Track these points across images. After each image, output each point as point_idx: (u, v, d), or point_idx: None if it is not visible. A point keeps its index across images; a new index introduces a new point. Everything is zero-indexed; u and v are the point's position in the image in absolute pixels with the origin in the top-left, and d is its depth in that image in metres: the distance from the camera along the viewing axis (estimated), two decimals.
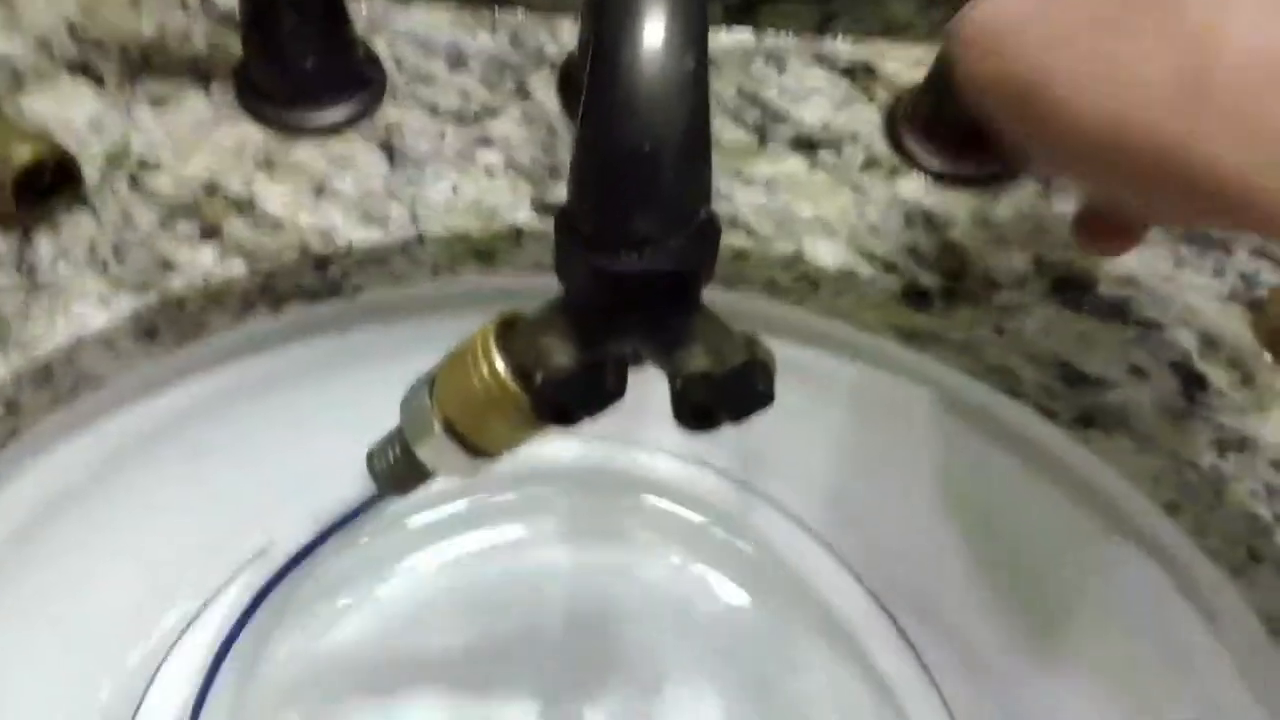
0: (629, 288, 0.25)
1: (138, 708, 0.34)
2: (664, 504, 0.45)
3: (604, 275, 0.25)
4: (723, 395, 0.25)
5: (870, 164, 0.40)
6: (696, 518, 0.46)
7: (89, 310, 0.33)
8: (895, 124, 0.40)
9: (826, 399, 0.44)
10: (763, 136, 0.40)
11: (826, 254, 0.37)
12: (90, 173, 0.35)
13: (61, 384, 0.33)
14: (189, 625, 0.35)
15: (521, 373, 0.27)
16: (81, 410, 0.35)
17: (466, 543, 0.44)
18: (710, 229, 0.26)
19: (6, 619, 0.34)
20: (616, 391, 0.25)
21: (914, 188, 0.39)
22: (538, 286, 0.40)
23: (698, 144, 0.24)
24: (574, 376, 0.26)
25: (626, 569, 0.45)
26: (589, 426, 0.41)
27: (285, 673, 0.40)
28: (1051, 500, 0.39)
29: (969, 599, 0.43)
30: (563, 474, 0.44)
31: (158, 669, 0.34)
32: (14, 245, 0.34)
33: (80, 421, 0.35)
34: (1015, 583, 0.42)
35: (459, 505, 0.44)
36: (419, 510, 0.43)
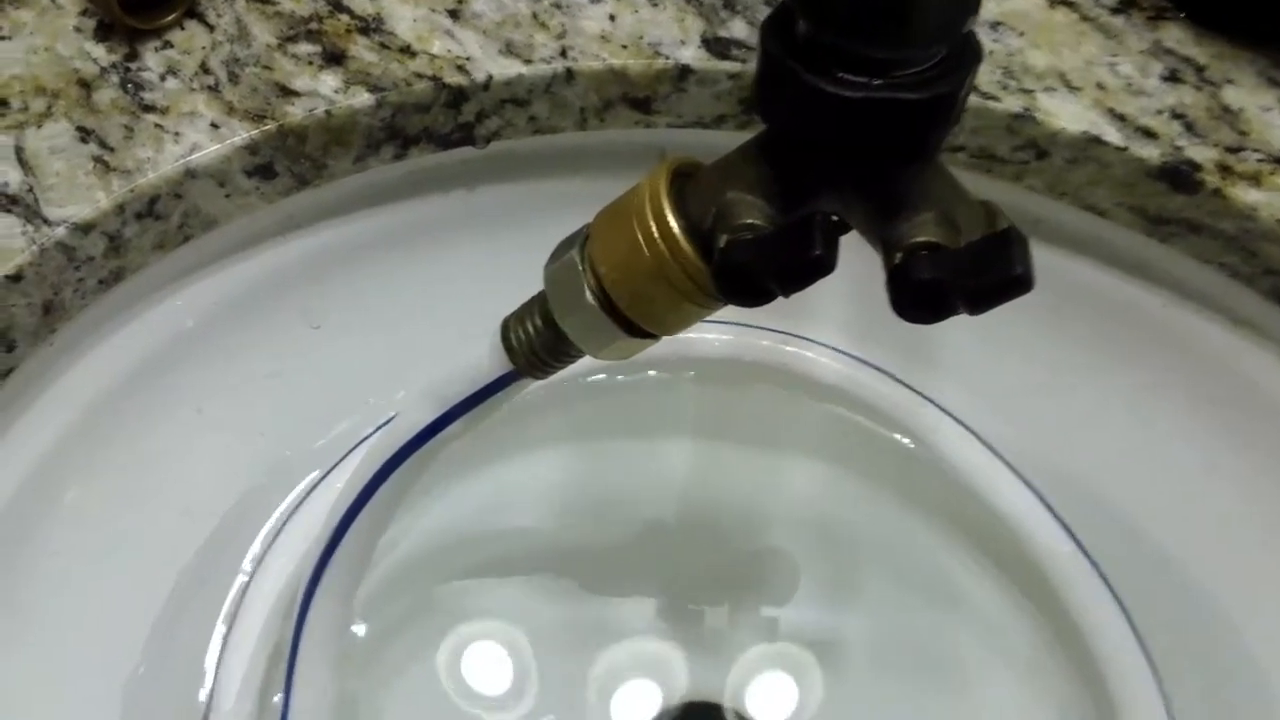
0: (855, 124, 0.19)
1: (246, 587, 0.31)
2: (816, 403, 0.40)
3: (825, 104, 0.19)
4: (960, 275, 0.19)
5: (1127, 3, 0.32)
6: (853, 420, 0.40)
7: (200, 137, 0.29)
8: None
9: (1024, 298, 0.37)
10: None
11: (1064, 114, 0.30)
12: None
13: (169, 221, 0.29)
14: (300, 503, 0.32)
15: (700, 234, 0.21)
16: (189, 258, 0.32)
17: (597, 430, 0.40)
18: (971, 54, 0.19)
19: (93, 488, 0.32)
20: (825, 261, 0.19)
21: (1182, 36, 0.31)
22: (701, 145, 0.34)
23: None
24: (769, 240, 0.20)
25: (770, 471, 0.41)
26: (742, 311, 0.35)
27: (398, 554, 0.37)
28: None
29: (1161, 527, 0.37)
30: (706, 362, 0.39)
31: (267, 549, 0.32)
32: (120, 58, 0.30)
33: (188, 271, 0.32)
34: (1215, 522, 0.36)
35: (589, 387, 0.40)
36: (543, 389, 0.39)
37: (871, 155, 0.20)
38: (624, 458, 0.39)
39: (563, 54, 0.31)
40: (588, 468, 0.39)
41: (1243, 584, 0.34)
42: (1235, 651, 0.34)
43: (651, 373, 0.39)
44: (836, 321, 0.37)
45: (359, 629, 0.36)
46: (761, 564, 0.39)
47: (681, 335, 0.40)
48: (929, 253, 0.20)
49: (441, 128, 0.32)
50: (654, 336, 0.24)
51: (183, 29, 0.30)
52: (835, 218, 0.22)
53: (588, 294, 0.23)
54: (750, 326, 0.38)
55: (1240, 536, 0.35)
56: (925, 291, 0.20)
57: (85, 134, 0.28)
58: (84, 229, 0.28)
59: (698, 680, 0.38)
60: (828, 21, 0.19)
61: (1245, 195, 0.29)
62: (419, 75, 0.30)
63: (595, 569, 0.38)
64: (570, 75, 0.31)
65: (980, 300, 0.19)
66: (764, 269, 0.20)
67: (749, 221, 0.21)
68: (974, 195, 0.21)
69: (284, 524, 0.33)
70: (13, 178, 0.28)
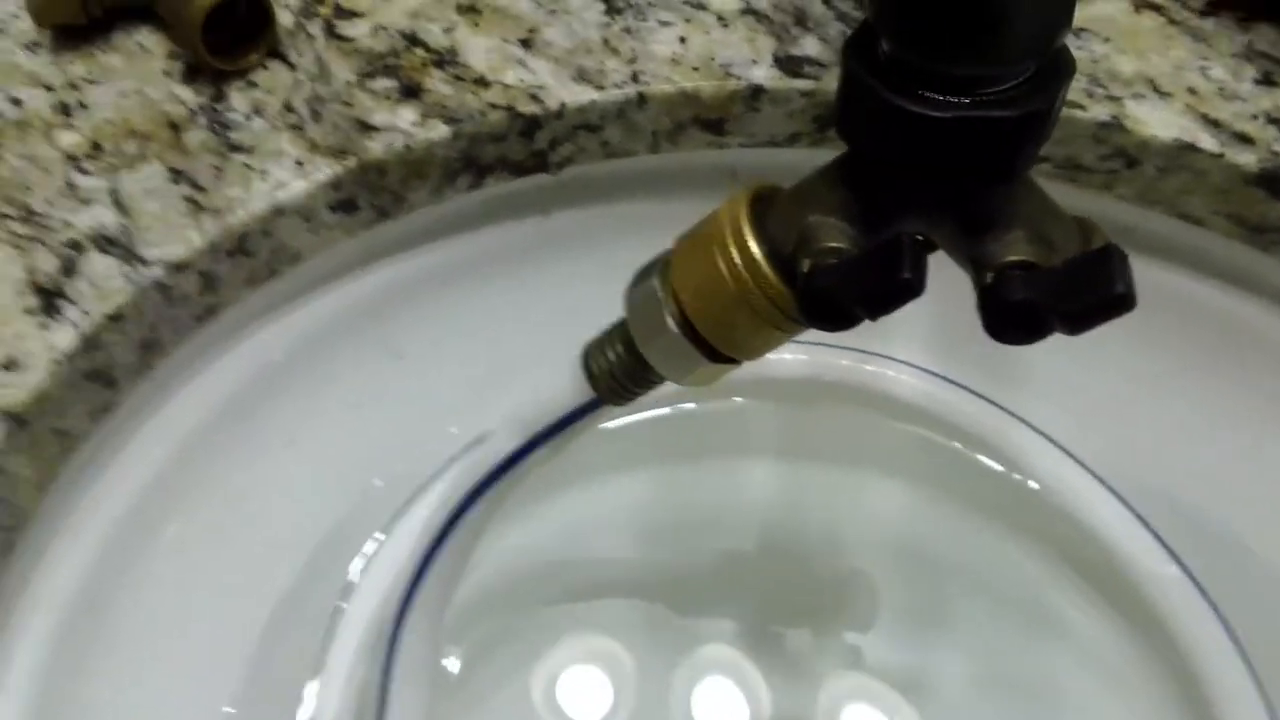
0: (944, 145, 0.19)
1: (339, 616, 0.32)
2: (898, 423, 0.39)
3: (911, 124, 0.18)
4: (1057, 294, 0.19)
5: (1216, 5, 0.31)
6: (937, 439, 0.39)
7: (285, 175, 0.29)
8: None
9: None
10: None
11: (1154, 121, 0.29)
12: (284, 17, 0.32)
13: (258, 258, 0.30)
14: (388, 532, 0.33)
15: (781, 259, 0.21)
16: (276, 293, 0.32)
17: (675, 454, 0.40)
18: (1064, 67, 0.19)
19: (192, 520, 0.32)
20: (914, 284, 0.19)
21: (1275, 38, 0.30)
22: (775, 164, 0.34)
23: None
24: (855, 264, 0.20)
25: (853, 493, 0.40)
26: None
27: (480, 581, 0.37)
28: None
29: (1263, 541, 0.35)
30: (785, 383, 0.39)
31: (359, 578, 0.32)
32: (207, 99, 0.31)
33: (275, 305, 0.33)
34: None
35: (665, 412, 0.40)
36: (622, 416, 0.39)
37: (959, 175, 0.20)
38: (703, 481, 0.39)
39: (634, 79, 0.31)
40: (667, 491, 0.39)
41: None
42: None
43: (730, 396, 0.38)
44: (918, 338, 0.36)
45: (450, 663, 0.37)
46: (846, 588, 0.38)
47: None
48: (1022, 272, 0.19)
49: (516, 156, 0.32)
50: (736, 362, 0.23)
51: (266, 69, 0.31)
52: (921, 237, 0.21)
53: (669, 321, 0.23)
54: (829, 346, 0.37)
55: None
56: (1020, 312, 0.19)
57: (177, 175, 0.29)
58: (179, 268, 0.28)
59: (783, 707, 0.37)
60: (912, 40, 0.18)
61: None
62: (493, 105, 0.31)
63: (677, 593, 0.38)
64: (642, 99, 0.31)
65: (1080, 320, 0.19)
66: (850, 294, 0.19)
67: (832, 245, 0.20)
68: (1066, 211, 0.21)
69: (374, 553, 0.34)
70: (110, 220, 0.29)
